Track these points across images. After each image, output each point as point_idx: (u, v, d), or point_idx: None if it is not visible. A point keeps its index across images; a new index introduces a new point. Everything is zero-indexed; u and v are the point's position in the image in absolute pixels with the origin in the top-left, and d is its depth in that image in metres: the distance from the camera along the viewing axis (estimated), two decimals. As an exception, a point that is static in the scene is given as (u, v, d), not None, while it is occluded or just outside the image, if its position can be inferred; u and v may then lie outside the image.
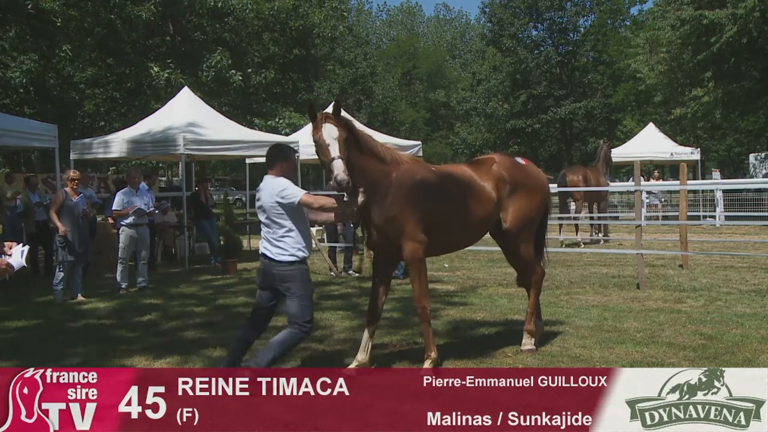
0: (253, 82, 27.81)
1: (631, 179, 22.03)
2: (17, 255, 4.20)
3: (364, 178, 5.63)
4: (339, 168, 5.27)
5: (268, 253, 5.39)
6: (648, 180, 24.97)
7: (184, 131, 13.84)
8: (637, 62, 34.19)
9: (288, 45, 31.06)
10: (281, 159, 5.50)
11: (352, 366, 5.97)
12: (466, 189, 6.08)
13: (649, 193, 21.98)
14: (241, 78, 25.17)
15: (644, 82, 34.34)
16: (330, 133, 5.41)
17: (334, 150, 5.34)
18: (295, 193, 5.30)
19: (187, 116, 14.82)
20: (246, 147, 14.70)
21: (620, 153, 26.05)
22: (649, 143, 25.50)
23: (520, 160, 6.66)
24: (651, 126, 27.65)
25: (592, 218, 17.01)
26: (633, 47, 37.20)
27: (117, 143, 14.56)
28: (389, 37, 74.80)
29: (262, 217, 5.45)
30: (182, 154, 13.77)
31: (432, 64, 64.62)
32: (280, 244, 5.34)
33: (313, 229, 15.01)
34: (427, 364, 5.75)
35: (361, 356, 5.99)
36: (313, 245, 14.95)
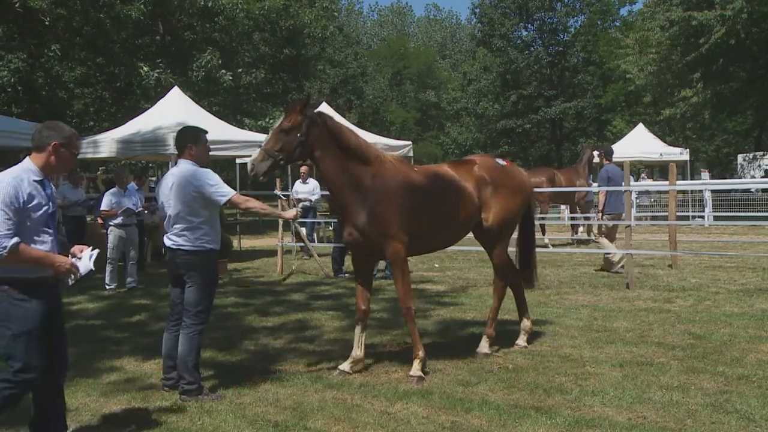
0: (244, 82, 27.76)
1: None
2: (86, 259, 4.12)
3: (343, 178, 5.64)
4: (253, 155, 5.44)
5: (173, 244, 5.34)
6: (638, 180, 25.13)
7: (173, 131, 13.73)
8: (626, 63, 34.33)
9: (278, 45, 31.01)
10: (191, 141, 5.43)
11: (347, 362, 5.98)
12: (448, 189, 6.08)
13: (639, 193, 22.08)
14: (231, 78, 25.11)
15: (634, 82, 34.49)
16: (276, 123, 5.58)
17: (266, 139, 5.50)
18: (225, 192, 5.28)
19: (176, 116, 14.75)
20: (236, 147, 14.66)
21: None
22: (639, 143, 25.61)
23: (501, 161, 6.69)
24: (640, 126, 27.77)
25: (574, 218, 16.96)
26: (623, 48, 37.39)
27: (106, 143, 14.50)
28: (379, 38, 74.78)
29: (168, 206, 5.35)
30: (172, 154, 13.68)
31: (422, 64, 64.61)
32: (186, 233, 5.30)
33: (303, 229, 15.03)
34: (415, 364, 5.75)
35: (356, 352, 5.99)
36: (303, 245, 15.01)
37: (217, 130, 15.17)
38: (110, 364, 6.46)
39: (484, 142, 48.57)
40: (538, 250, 11.35)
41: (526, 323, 6.81)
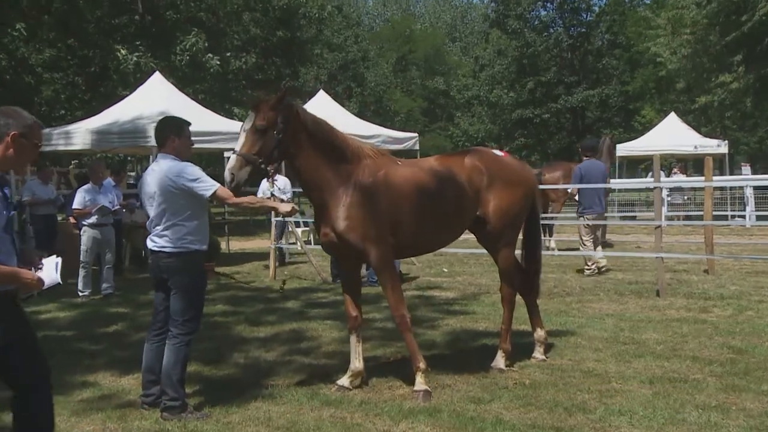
0: (232, 67, 27.76)
1: (649, 175, 22.09)
2: (50, 269, 3.95)
3: (319, 176, 5.63)
4: (229, 163, 5.34)
5: (155, 246, 5.36)
6: (669, 176, 25.08)
7: (155, 121, 13.68)
8: (657, 45, 34.16)
9: (271, 26, 31.05)
10: (173, 133, 5.43)
11: (345, 377, 5.98)
12: (437, 183, 6.04)
13: (671, 190, 22.03)
14: (218, 63, 25.08)
15: (665, 67, 34.33)
16: (246, 124, 5.47)
17: (239, 143, 5.40)
18: (209, 186, 5.29)
19: (158, 104, 14.75)
20: (224, 139, 14.63)
21: (638, 146, 26.15)
22: (671, 135, 25.56)
23: (497, 151, 6.67)
24: (672, 116, 27.71)
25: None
26: (653, 28, 37.18)
27: (79, 134, 14.50)
28: (383, 18, 74.90)
29: (151, 205, 5.39)
30: (152, 146, 13.63)
31: (430, 48, 64.61)
32: (168, 233, 5.31)
33: (299, 230, 15.04)
34: (418, 377, 5.74)
35: (354, 364, 5.99)
36: (299, 248, 15.03)
37: (204, 120, 15.18)
38: (83, 379, 6.46)
39: (497, 134, 48.56)
40: (578, 253, 11.35)
41: (540, 333, 6.80)
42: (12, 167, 4.22)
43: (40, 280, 3.85)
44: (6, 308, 3.82)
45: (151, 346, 5.55)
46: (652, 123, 34.75)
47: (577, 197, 12.41)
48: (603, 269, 12.06)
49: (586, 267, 12.13)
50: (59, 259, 4.03)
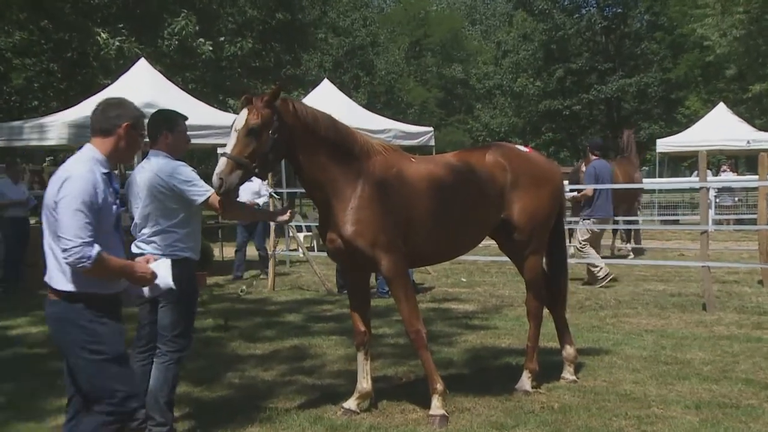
0: (227, 54, 27.83)
1: (694, 174, 21.97)
2: (164, 273, 4.39)
3: (323, 175, 5.62)
4: (218, 167, 5.29)
5: (141, 252, 5.28)
6: (717, 174, 24.96)
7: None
8: (704, 26, 33.97)
9: (269, 7, 31.13)
10: (166, 128, 5.46)
11: (352, 399, 5.98)
12: (455, 182, 6.03)
13: (720, 190, 21.92)
14: (211, 48, 25.17)
15: (714, 51, 34.13)
16: (237, 122, 5.41)
17: (230, 144, 5.36)
18: (202, 192, 5.30)
19: (143, 95, 14.76)
20: (217, 134, 14.68)
21: (682, 141, 26.04)
22: (719, 128, 25.41)
23: (522, 147, 6.67)
24: (721, 107, 27.56)
25: (629, 223, 16.76)
26: (700, 7, 36.98)
27: (55, 127, 14.58)
28: (394, -1, 74.96)
29: (137, 206, 5.40)
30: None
31: (447, 31, 64.70)
32: (156, 239, 5.31)
33: (301, 235, 15.06)
34: (434, 400, 5.73)
35: (362, 385, 6.00)
36: (301, 255, 15.05)
37: (195, 112, 15.12)
38: (58, 403, 6.41)
39: (522, 128, 48.57)
40: (613, 261, 11.34)
41: (569, 351, 6.79)
42: (122, 160, 4.61)
43: (154, 274, 4.30)
44: (118, 311, 4.26)
45: (136, 366, 5.56)
46: (698, 115, 34.60)
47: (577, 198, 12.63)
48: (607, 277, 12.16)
49: (597, 275, 12.16)
50: (169, 261, 4.46)
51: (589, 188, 12.32)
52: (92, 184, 4.01)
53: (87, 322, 4.04)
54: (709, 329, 8.81)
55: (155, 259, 4.45)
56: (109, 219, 4.11)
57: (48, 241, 4.10)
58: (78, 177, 4.00)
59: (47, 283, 4.11)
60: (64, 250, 3.90)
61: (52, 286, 4.08)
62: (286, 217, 5.81)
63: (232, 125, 5.51)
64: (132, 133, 4.28)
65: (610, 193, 12.47)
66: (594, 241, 12.43)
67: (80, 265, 3.90)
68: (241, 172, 5.33)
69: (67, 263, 3.94)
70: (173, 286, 4.37)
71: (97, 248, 3.93)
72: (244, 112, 5.41)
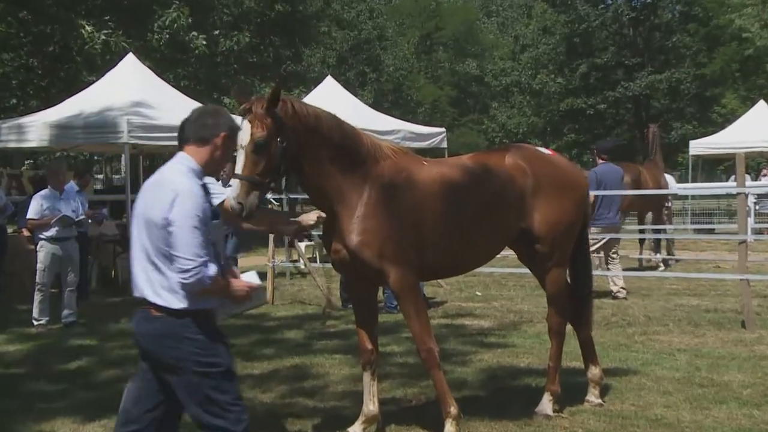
0: (222, 48, 27.96)
1: (731, 178, 21.91)
2: (259, 289, 4.54)
3: (327, 181, 5.59)
4: (232, 191, 5.18)
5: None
6: (756, 179, 24.90)
7: (128, 113, 13.88)
8: (743, 17, 34.00)
9: (268, -1, 31.20)
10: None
11: (357, 423, 5.97)
12: (470, 188, 6.01)
13: (760, 196, 21.86)
14: (204, 42, 25.26)
15: (753, 44, 34.15)
16: (242, 139, 5.17)
17: (239, 163, 5.22)
18: (218, 194, 5.31)
19: (132, 93, 14.88)
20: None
21: (717, 142, 25.97)
22: (759, 128, 25.33)
23: (544, 150, 6.64)
24: (761, 105, 27.47)
25: (642, 231, 16.69)
26: (738, -4, 37.10)
27: (35, 128, 14.63)
28: (403, -11, 75.21)
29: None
30: (126, 143, 13.80)
31: (460, 24, 64.88)
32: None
33: (302, 245, 15.04)
34: (448, 426, 5.70)
35: (368, 407, 5.98)
36: (303, 266, 15.03)
37: (187, 111, 15.24)
38: (39, 427, 6.46)
39: (542, 129, 48.64)
40: (641, 274, 11.30)
41: (594, 372, 6.75)
42: (214, 171, 4.64)
43: (249, 292, 4.41)
44: (216, 328, 4.33)
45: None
46: (735, 114, 34.59)
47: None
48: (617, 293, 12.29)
49: (620, 293, 12.28)
50: (256, 274, 4.60)
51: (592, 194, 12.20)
52: (202, 198, 4.13)
53: (196, 335, 4.12)
54: (749, 348, 8.75)
55: (242, 273, 4.53)
56: (208, 234, 4.19)
57: (143, 255, 4.13)
58: (190, 193, 4.09)
59: (147, 300, 4.13)
60: (185, 271, 3.97)
61: (158, 304, 4.09)
62: (313, 218, 5.75)
63: (238, 142, 5.22)
64: (228, 144, 4.40)
65: (617, 199, 12.35)
66: (604, 251, 12.40)
67: (200, 285, 4.02)
68: (258, 192, 5.26)
69: (186, 283, 4.00)
70: (267, 302, 4.46)
71: (213, 267, 4.07)
72: (247, 126, 5.26)
